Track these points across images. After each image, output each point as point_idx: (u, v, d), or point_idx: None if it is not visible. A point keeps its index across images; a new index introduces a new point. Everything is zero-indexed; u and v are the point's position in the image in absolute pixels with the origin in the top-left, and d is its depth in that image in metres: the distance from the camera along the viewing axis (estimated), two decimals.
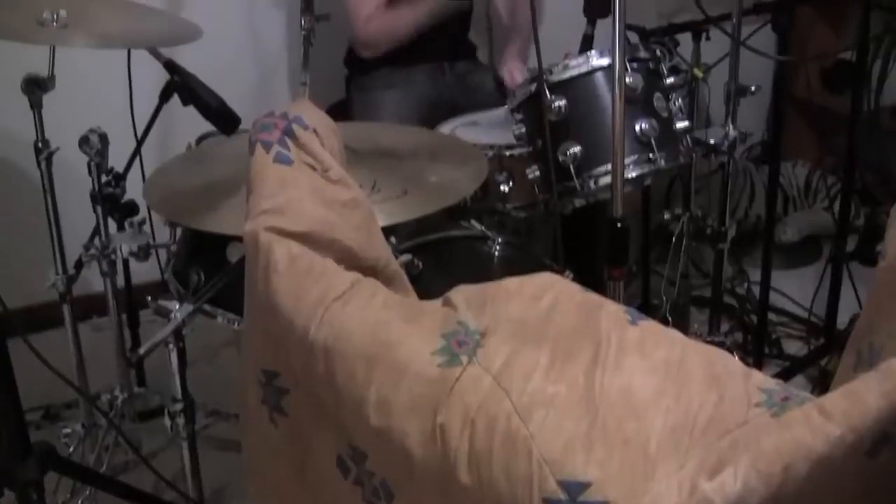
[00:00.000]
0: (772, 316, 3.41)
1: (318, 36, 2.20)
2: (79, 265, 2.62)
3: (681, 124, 2.39)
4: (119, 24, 2.42)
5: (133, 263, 2.66)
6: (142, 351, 1.96)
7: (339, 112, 3.27)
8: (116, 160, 2.51)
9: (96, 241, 2.55)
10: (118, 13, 2.47)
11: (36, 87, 2.44)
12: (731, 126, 2.77)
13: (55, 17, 2.23)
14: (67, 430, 2.74)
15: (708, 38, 2.89)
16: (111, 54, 2.58)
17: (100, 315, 3.31)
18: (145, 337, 2.11)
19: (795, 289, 3.62)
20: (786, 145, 3.58)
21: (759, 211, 3.98)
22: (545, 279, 1.50)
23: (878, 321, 1.59)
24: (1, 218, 3.36)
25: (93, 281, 2.80)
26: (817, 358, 3.18)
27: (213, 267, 2.13)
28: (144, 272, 2.79)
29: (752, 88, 2.78)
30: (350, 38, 3.23)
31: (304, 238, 1.46)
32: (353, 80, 3.38)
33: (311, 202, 1.51)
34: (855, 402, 1.11)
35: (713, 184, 3.47)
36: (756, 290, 3.29)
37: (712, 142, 2.73)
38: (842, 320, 3.14)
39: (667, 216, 3.06)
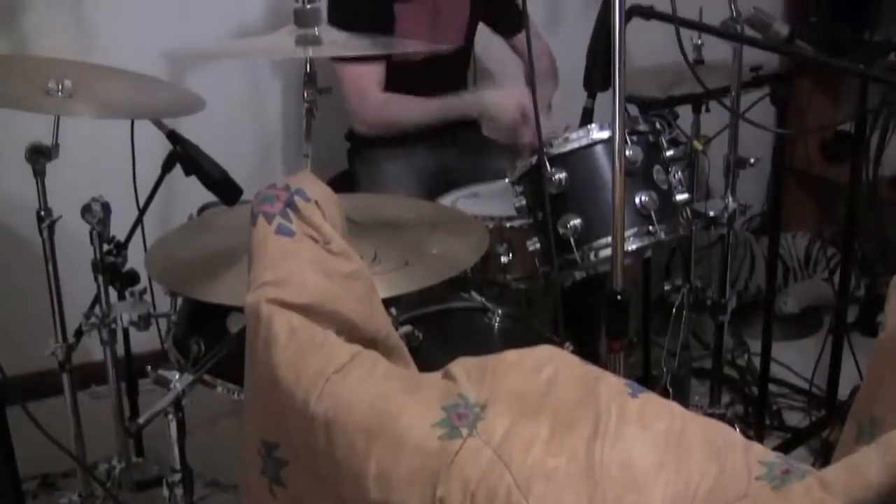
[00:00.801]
0: (773, 387, 3.40)
1: (321, 108, 2.22)
2: (79, 333, 2.61)
3: (681, 196, 2.41)
4: (123, 95, 2.44)
5: (133, 332, 2.66)
6: (141, 420, 1.95)
7: (342, 183, 3.28)
8: (118, 229, 2.52)
9: (97, 309, 2.55)
10: (122, 83, 2.50)
11: (40, 156, 2.45)
12: (730, 198, 2.78)
13: (60, 86, 2.26)
14: (65, 500, 2.72)
15: (707, 111, 2.91)
16: (115, 124, 2.60)
17: (99, 383, 3.30)
18: (144, 406, 2.10)
19: (796, 360, 3.60)
20: (785, 216, 3.60)
21: (760, 282, 3.98)
22: (545, 352, 1.51)
23: (879, 392, 1.59)
24: (2, 285, 3.36)
25: (92, 349, 2.79)
26: (819, 429, 3.16)
27: (214, 337, 2.13)
28: (144, 341, 2.78)
29: (752, 160, 2.80)
30: (350, 114, 3.23)
31: (305, 310, 1.47)
32: (356, 153, 3.40)
33: (312, 274, 1.52)
34: (856, 474, 1.10)
35: (713, 255, 3.48)
36: (757, 361, 3.28)
37: (712, 214, 2.74)
38: (843, 391, 3.12)
39: (667, 287, 3.06)
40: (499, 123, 3.09)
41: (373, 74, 3.15)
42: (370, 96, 3.15)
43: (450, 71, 3.32)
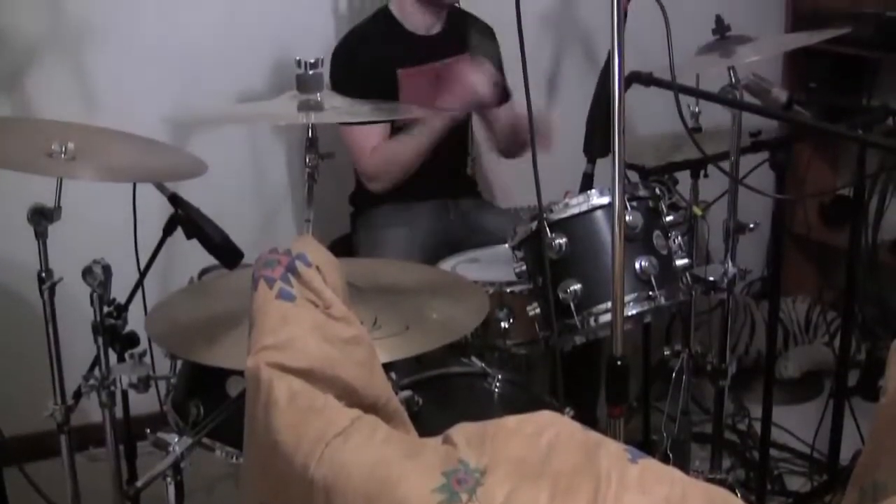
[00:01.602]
0: (774, 452, 3.38)
1: (322, 172, 2.23)
2: (77, 395, 2.60)
3: (680, 262, 2.42)
4: (126, 158, 2.46)
5: (132, 394, 2.64)
6: (139, 483, 1.95)
7: (343, 247, 3.30)
8: (119, 291, 2.52)
9: (96, 371, 2.53)
10: (125, 147, 2.52)
11: (42, 218, 2.45)
12: (730, 263, 2.79)
13: (63, 149, 2.27)
14: None
15: (706, 176, 2.92)
16: (117, 186, 2.61)
17: (97, 446, 3.26)
18: (143, 469, 2.10)
19: (797, 424, 3.59)
20: (785, 281, 3.60)
21: (760, 346, 3.98)
22: (545, 417, 1.50)
23: (881, 458, 1.58)
24: (1, 345, 3.36)
25: (91, 411, 2.78)
26: (821, 495, 3.15)
27: (213, 400, 2.13)
28: (143, 403, 2.77)
29: (751, 225, 2.81)
30: (358, 174, 3.26)
31: (305, 374, 1.47)
32: (359, 217, 3.42)
33: (312, 339, 1.52)
34: None
35: (713, 320, 3.48)
36: (757, 426, 3.27)
37: (712, 279, 2.74)
38: (845, 456, 3.11)
39: (667, 352, 3.06)
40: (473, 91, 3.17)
41: (376, 135, 3.18)
42: (375, 151, 3.19)
43: (451, 136, 3.35)
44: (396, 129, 3.22)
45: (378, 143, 3.20)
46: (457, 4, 3.34)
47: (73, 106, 3.18)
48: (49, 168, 2.27)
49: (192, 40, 3.35)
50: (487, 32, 3.49)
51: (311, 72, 2.19)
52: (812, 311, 4.20)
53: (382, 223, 3.31)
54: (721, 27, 2.88)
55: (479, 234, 3.16)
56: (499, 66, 3.46)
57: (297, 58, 2.20)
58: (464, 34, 3.31)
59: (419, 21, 3.32)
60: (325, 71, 2.29)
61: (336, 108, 2.24)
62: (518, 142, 3.45)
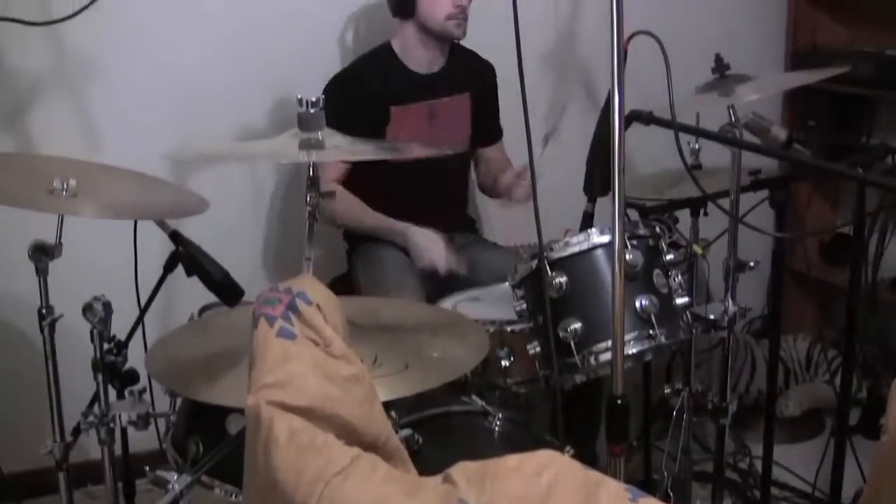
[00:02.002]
0: (775, 491, 3.37)
1: (323, 211, 2.24)
2: (76, 432, 2.60)
3: (681, 300, 2.42)
4: (127, 196, 2.47)
5: (131, 432, 2.64)
6: None
7: (342, 286, 3.30)
8: (119, 328, 2.51)
9: (95, 408, 2.53)
10: (126, 184, 2.52)
11: (42, 254, 2.45)
12: (730, 301, 2.79)
13: (65, 185, 2.27)
14: None
15: (706, 215, 2.93)
16: (118, 223, 2.62)
17: (96, 483, 3.27)
18: None
19: (798, 463, 3.58)
20: (786, 319, 3.59)
21: (761, 385, 3.97)
22: (545, 456, 1.50)
23: (883, 496, 1.58)
24: (1, 382, 3.35)
25: (90, 448, 2.78)
26: None
27: (213, 438, 2.13)
28: (143, 441, 2.76)
29: (752, 264, 2.81)
30: None
31: (305, 413, 1.47)
32: (354, 252, 3.43)
33: (313, 377, 1.52)
34: None
35: (714, 358, 3.48)
36: (759, 464, 3.26)
37: (712, 317, 2.75)
38: (846, 495, 3.09)
39: (667, 391, 3.05)
40: (416, 261, 3.21)
41: (333, 171, 3.19)
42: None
43: (448, 171, 3.36)
44: (390, 168, 3.23)
45: (337, 177, 3.24)
46: (460, 41, 3.34)
47: (75, 143, 3.19)
48: (50, 205, 2.28)
49: (194, 77, 3.36)
50: (487, 70, 3.50)
51: (312, 110, 2.19)
52: (813, 349, 4.19)
53: (380, 259, 3.31)
54: (720, 66, 2.89)
55: (477, 271, 3.16)
56: (494, 105, 3.47)
57: (299, 96, 2.21)
58: (463, 72, 3.33)
59: (421, 57, 3.33)
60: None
61: (337, 146, 2.24)
62: (496, 190, 3.50)
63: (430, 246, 3.17)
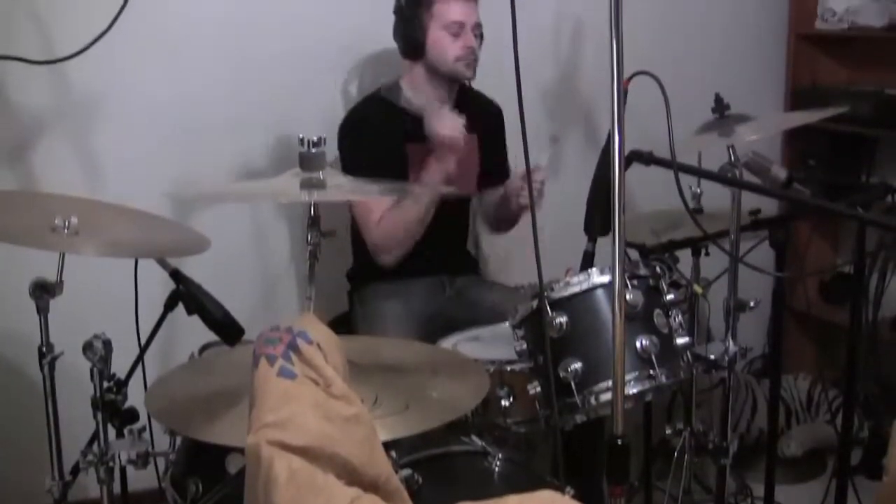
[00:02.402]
0: None
1: (323, 250, 2.24)
2: (75, 471, 2.59)
3: (681, 340, 2.42)
4: (128, 234, 2.47)
5: (131, 471, 2.63)
6: None
7: (341, 325, 3.30)
8: (119, 365, 2.51)
9: (95, 447, 2.52)
10: (128, 222, 2.53)
11: (43, 292, 2.45)
12: (731, 341, 2.79)
13: (66, 223, 2.28)
14: None
15: (707, 254, 2.93)
16: (119, 261, 2.62)
17: None
18: None
19: (800, 503, 3.56)
20: (786, 359, 3.59)
21: (762, 425, 3.96)
22: (545, 497, 1.50)
23: None
24: (0, 419, 3.35)
25: (89, 487, 2.77)
26: None
27: (212, 477, 2.12)
28: (142, 480, 2.76)
29: (752, 303, 2.81)
30: (369, 247, 3.26)
31: (305, 453, 1.46)
32: (355, 294, 3.43)
33: (313, 417, 1.52)
34: None
35: (715, 398, 3.46)
36: None
37: (713, 357, 2.74)
38: None
39: (668, 431, 3.04)
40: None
41: (380, 208, 3.19)
42: (383, 221, 3.20)
43: (449, 212, 3.36)
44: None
45: (382, 212, 3.21)
46: (468, 82, 3.35)
47: (77, 180, 3.20)
48: (52, 243, 2.28)
49: (196, 115, 3.37)
50: (495, 111, 3.52)
51: (313, 150, 2.21)
52: (814, 388, 4.18)
53: (379, 299, 3.32)
54: (720, 106, 2.90)
55: (477, 311, 3.16)
56: (502, 146, 3.47)
57: (300, 135, 2.22)
58: (472, 113, 3.34)
59: (430, 97, 3.33)
60: (328, 149, 2.30)
61: (338, 186, 2.25)
62: (508, 213, 3.45)
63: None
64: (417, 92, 3.33)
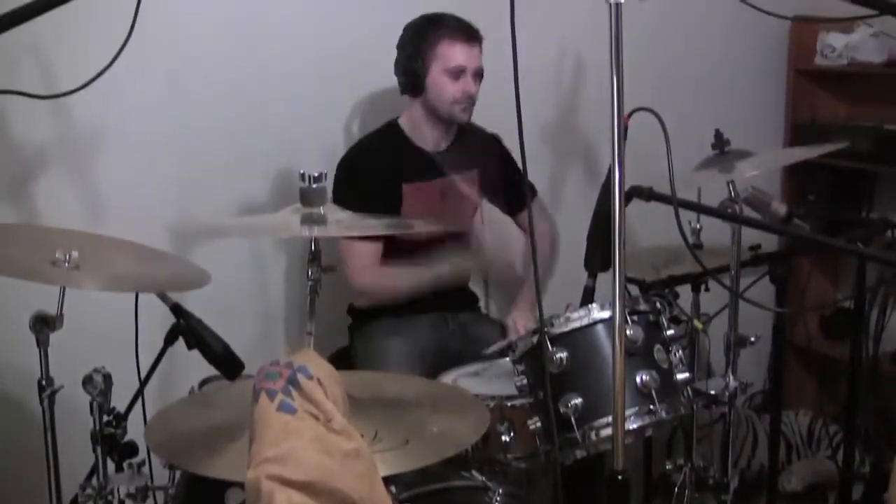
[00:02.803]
0: None
1: (324, 285, 2.24)
2: None
3: (681, 375, 2.42)
4: (129, 268, 2.47)
5: None
6: None
7: (342, 359, 3.30)
8: (119, 399, 2.51)
9: (94, 480, 2.52)
10: (129, 256, 2.53)
11: (44, 326, 2.45)
12: (731, 376, 2.79)
13: (67, 257, 2.28)
14: None
15: (707, 290, 2.94)
16: (119, 294, 2.62)
17: None
18: None
19: None
20: (787, 394, 3.58)
21: (763, 460, 3.95)
22: None
23: None
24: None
25: None
26: None
27: None
28: None
29: (752, 339, 2.82)
30: (347, 282, 3.28)
31: (305, 487, 1.47)
32: (356, 328, 3.43)
33: (313, 452, 1.52)
34: None
35: (715, 433, 3.46)
36: None
37: (713, 392, 2.75)
38: None
39: (669, 466, 3.04)
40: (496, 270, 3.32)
41: (369, 252, 3.21)
42: (367, 270, 3.21)
43: (448, 249, 3.37)
44: (394, 247, 3.24)
45: (370, 262, 3.23)
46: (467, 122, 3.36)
47: (78, 214, 3.20)
48: (53, 277, 2.29)
49: (197, 150, 3.38)
50: (494, 143, 3.52)
51: (314, 185, 2.22)
52: (814, 423, 4.18)
53: (380, 335, 3.32)
54: (720, 141, 2.91)
55: (478, 347, 3.16)
56: (515, 169, 3.45)
57: (301, 171, 2.23)
58: (471, 149, 3.35)
59: (428, 136, 3.34)
60: (329, 184, 2.31)
61: (339, 221, 2.26)
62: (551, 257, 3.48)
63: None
64: (416, 130, 3.35)
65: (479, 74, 3.28)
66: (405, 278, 3.24)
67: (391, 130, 3.38)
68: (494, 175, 3.46)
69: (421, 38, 3.24)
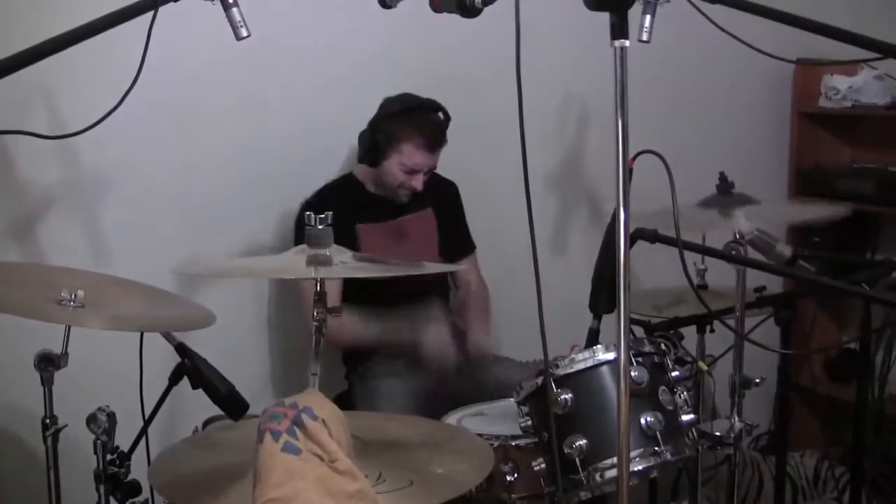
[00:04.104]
0: None
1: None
2: None
3: (686, 417, 2.42)
4: (134, 308, 2.48)
5: None
6: None
7: (342, 404, 3.29)
8: (123, 438, 2.51)
9: None
10: (134, 296, 2.53)
11: (48, 364, 2.45)
12: (736, 418, 2.79)
13: (73, 297, 2.28)
14: None
15: (712, 331, 2.94)
16: (124, 334, 2.62)
17: None
18: None
19: None
20: (792, 435, 3.57)
21: (768, 502, 3.93)
22: None
23: None
24: (2, 491, 3.33)
25: None
26: None
27: None
28: None
29: (757, 380, 2.82)
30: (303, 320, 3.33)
31: None
32: (353, 374, 3.47)
33: (316, 493, 1.52)
34: None
35: (720, 475, 3.44)
36: None
37: (718, 434, 2.75)
38: None
39: None
40: (428, 361, 3.28)
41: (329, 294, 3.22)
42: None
43: (426, 284, 3.39)
44: (367, 285, 3.27)
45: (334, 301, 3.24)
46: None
47: (84, 254, 3.21)
48: (58, 316, 2.29)
49: (202, 191, 3.39)
50: (449, 186, 3.63)
51: (319, 226, 2.23)
52: (820, 465, 4.16)
53: (378, 378, 3.36)
54: (724, 184, 2.92)
55: (477, 386, 3.16)
56: (460, 219, 3.64)
57: (307, 213, 2.24)
58: (426, 190, 3.41)
59: (381, 191, 3.47)
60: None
61: (344, 263, 2.27)
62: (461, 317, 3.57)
63: (436, 353, 3.26)
64: (371, 183, 3.48)
65: (430, 171, 3.41)
66: (353, 331, 3.30)
67: (348, 180, 3.51)
68: (443, 216, 3.57)
69: (392, 128, 3.34)
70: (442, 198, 3.59)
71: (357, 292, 3.29)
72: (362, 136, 3.38)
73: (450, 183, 3.63)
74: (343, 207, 3.25)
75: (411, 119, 3.34)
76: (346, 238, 3.23)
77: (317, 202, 3.37)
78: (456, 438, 2.45)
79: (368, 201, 3.45)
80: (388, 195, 3.43)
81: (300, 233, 3.13)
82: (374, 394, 3.31)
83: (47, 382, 2.46)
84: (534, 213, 2.00)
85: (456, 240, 3.62)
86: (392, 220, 3.46)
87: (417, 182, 3.36)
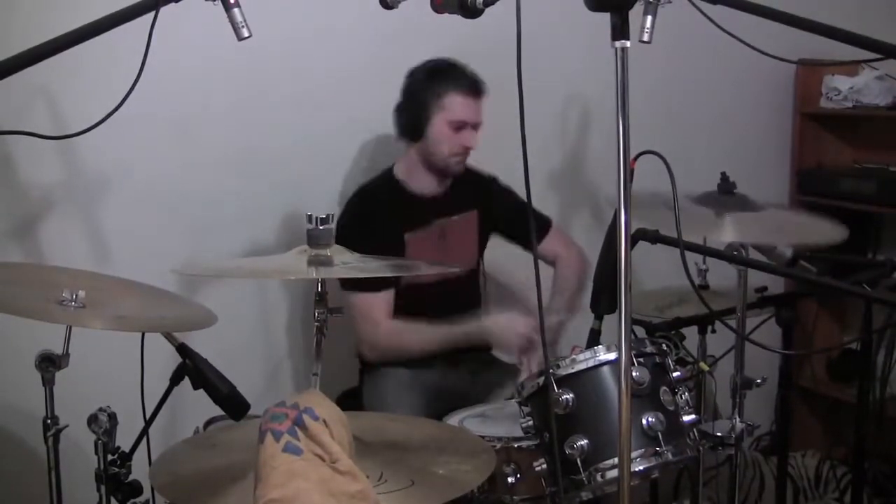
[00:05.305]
0: None
1: (330, 326, 2.25)
2: None
3: (687, 418, 2.41)
4: (135, 308, 2.48)
5: None
6: None
7: (350, 400, 3.29)
8: (124, 438, 2.51)
9: None
10: (135, 297, 2.54)
11: (49, 365, 2.45)
12: (737, 418, 2.79)
13: (74, 297, 2.28)
14: None
15: (713, 332, 2.93)
16: (125, 334, 2.62)
17: None
18: None
19: None
20: (794, 436, 3.57)
21: (769, 503, 3.93)
22: None
23: None
24: (2, 492, 3.33)
25: None
26: None
27: None
28: None
29: (759, 381, 2.81)
30: (358, 338, 3.31)
31: None
32: (366, 372, 3.44)
33: (318, 493, 1.52)
34: None
35: (721, 476, 3.44)
36: None
37: (719, 434, 2.74)
38: None
39: None
40: (504, 349, 3.21)
41: (383, 304, 3.21)
42: (381, 325, 3.22)
43: (462, 291, 3.37)
44: (402, 295, 3.27)
45: (385, 316, 3.24)
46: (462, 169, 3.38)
47: (85, 254, 3.20)
48: (59, 316, 2.29)
49: (204, 191, 3.38)
50: (490, 183, 3.54)
51: (321, 227, 2.23)
52: (822, 466, 4.16)
53: (389, 378, 3.32)
54: (726, 184, 2.92)
55: (488, 389, 3.16)
56: (514, 207, 3.47)
57: (308, 213, 2.24)
58: (468, 190, 3.36)
59: (424, 181, 3.37)
60: (335, 226, 2.32)
61: (345, 263, 2.27)
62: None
63: (508, 335, 3.16)
64: (411, 176, 3.38)
65: (478, 127, 3.30)
66: (421, 339, 3.24)
67: (388, 181, 3.41)
68: (498, 212, 3.48)
69: (428, 85, 3.25)
70: (485, 195, 3.51)
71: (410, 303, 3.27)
72: (398, 109, 3.31)
73: (490, 178, 3.54)
74: (387, 212, 3.27)
75: (445, 75, 3.26)
76: (395, 247, 3.24)
77: (361, 206, 3.35)
78: (457, 439, 2.45)
79: (412, 203, 3.37)
80: (441, 168, 3.32)
81: (347, 234, 3.09)
82: (384, 394, 3.29)
83: (48, 383, 2.47)
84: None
85: (521, 227, 3.45)
86: (436, 223, 3.38)
87: (468, 140, 3.27)
